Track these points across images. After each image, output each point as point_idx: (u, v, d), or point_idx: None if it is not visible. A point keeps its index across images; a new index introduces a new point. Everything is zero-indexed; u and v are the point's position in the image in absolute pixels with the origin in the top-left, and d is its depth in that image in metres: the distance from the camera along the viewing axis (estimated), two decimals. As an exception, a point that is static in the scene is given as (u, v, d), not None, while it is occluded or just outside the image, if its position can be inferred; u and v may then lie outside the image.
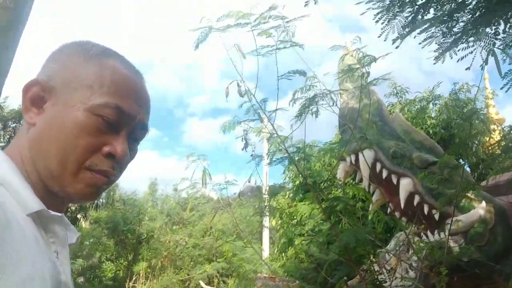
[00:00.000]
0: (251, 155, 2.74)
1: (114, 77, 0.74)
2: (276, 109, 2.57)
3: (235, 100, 2.69)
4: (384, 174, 3.48)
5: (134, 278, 12.80)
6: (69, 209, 8.35)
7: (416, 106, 7.92)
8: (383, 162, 3.44)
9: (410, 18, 2.60)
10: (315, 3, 2.71)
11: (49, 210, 0.69)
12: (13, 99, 9.07)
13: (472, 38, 2.54)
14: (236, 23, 2.30)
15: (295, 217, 7.69)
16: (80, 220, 10.57)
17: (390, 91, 8.41)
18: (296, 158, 2.74)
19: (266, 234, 14.41)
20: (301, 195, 7.45)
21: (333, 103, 2.57)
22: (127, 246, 13.92)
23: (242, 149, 2.70)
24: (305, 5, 3.41)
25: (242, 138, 2.71)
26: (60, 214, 0.72)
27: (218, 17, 2.33)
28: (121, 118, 0.73)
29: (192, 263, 13.39)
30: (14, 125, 8.48)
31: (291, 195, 8.06)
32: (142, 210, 14.24)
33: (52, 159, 0.69)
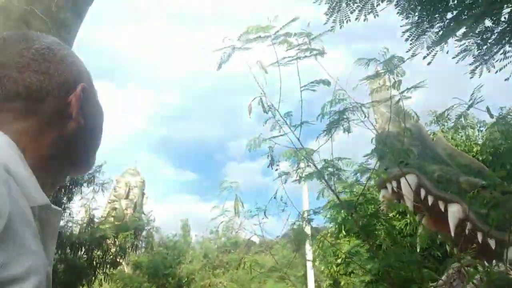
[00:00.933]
0: (277, 171, 2.65)
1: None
2: (302, 122, 2.49)
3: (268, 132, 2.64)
4: (430, 200, 3.26)
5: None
6: (109, 250, 8.47)
7: (460, 134, 7.58)
8: (428, 188, 3.23)
9: (440, 33, 2.51)
10: (340, 27, 2.69)
11: (51, 204, 0.71)
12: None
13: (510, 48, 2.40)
14: (259, 35, 2.31)
15: (339, 256, 7.36)
16: (121, 263, 10.63)
17: (431, 119, 8.13)
18: (326, 174, 2.61)
19: (311, 277, 13.84)
20: (344, 232, 7.14)
21: (364, 116, 2.46)
22: (168, 291, 13.77)
23: (268, 167, 2.62)
24: (331, 30, 3.40)
25: (268, 155, 2.63)
26: (60, 209, 0.75)
27: (238, 35, 2.36)
28: None
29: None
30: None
31: (333, 230, 7.76)
32: (182, 252, 14.18)
33: (91, 147, 0.86)
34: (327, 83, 2.40)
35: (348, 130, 2.53)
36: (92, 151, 0.89)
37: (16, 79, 0.75)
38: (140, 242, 11.63)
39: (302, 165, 2.67)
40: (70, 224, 7.79)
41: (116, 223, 11.40)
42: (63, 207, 7.84)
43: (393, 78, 2.35)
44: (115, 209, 16.85)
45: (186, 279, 13.44)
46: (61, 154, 0.79)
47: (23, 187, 0.66)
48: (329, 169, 2.54)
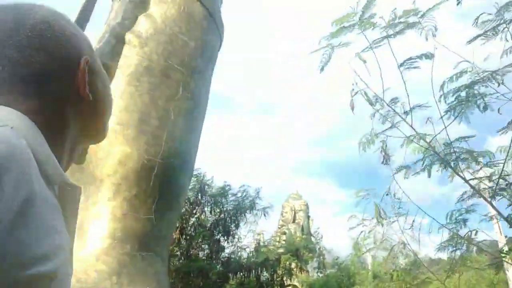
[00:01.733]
0: (396, 168, 2.31)
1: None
2: (413, 107, 2.13)
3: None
4: None
5: None
6: (275, 272, 8.77)
7: None
8: None
9: None
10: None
11: (70, 181, 0.71)
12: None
13: None
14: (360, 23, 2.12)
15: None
16: (289, 285, 10.85)
17: None
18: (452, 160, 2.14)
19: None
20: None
21: (498, 84, 1.98)
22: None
23: (382, 163, 2.32)
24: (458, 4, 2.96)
25: (381, 150, 2.34)
26: (79, 186, 0.73)
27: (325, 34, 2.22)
28: None
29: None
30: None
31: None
32: (354, 272, 13.68)
33: (104, 119, 0.84)
34: (429, 56, 2.04)
35: (484, 107, 2.08)
36: (104, 121, 0.87)
37: (18, 59, 0.73)
38: (310, 263, 11.70)
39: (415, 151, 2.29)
40: (238, 249, 8.43)
41: (285, 245, 11.81)
42: (231, 233, 8.57)
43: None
44: (284, 233, 17.56)
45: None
46: (74, 131, 0.78)
47: (43, 165, 0.65)
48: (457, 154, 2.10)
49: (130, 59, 3.70)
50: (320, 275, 13.32)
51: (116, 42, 3.78)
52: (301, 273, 11.24)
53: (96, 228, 3.10)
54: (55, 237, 0.61)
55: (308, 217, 20.08)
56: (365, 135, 2.36)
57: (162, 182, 3.48)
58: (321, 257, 12.84)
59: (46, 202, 0.61)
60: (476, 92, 2.04)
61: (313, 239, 15.91)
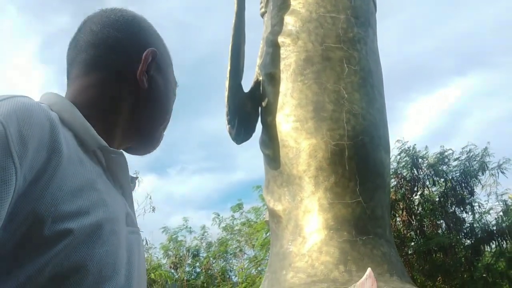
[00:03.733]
0: None
1: (171, 56, 0.93)
2: None
3: None
4: None
5: None
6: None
7: None
8: None
9: None
10: None
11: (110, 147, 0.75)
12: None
13: None
14: None
15: None
16: None
17: None
18: None
19: None
20: None
21: None
22: None
23: None
24: None
25: None
26: (120, 151, 0.77)
27: None
28: None
29: None
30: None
31: None
32: None
33: (158, 117, 0.87)
34: None
35: None
36: (154, 123, 0.86)
37: (97, 32, 0.82)
38: None
39: None
40: (481, 216, 7.29)
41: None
42: (467, 201, 7.52)
43: None
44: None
45: None
46: (121, 113, 0.81)
47: (78, 133, 0.70)
48: None
49: (288, 59, 3.78)
50: None
51: (272, 50, 3.94)
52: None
53: (309, 223, 3.18)
54: (90, 194, 0.63)
55: None
56: None
57: (358, 163, 3.34)
58: None
59: (77, 162, 0.65)
60: None
61: None
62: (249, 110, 3.88)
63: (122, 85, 0.81)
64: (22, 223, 0.55)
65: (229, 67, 3.66)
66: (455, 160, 7.73)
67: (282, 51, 3.84)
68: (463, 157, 7.73)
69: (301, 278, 2.97)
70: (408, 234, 6.92)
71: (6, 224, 0.53)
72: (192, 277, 9.18)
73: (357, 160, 3.34)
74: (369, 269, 2.11)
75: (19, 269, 0.54)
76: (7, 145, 0.52)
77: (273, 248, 3.45)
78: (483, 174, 8.37)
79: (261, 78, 3.95)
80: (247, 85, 4.00)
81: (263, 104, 3.82)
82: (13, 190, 0.52)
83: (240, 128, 3.77)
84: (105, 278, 0.61)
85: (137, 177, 0.91)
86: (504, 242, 6.59)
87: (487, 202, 8.23)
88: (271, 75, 3.81)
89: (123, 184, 0.77)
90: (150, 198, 8.15)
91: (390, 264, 3.16)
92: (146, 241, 9.13)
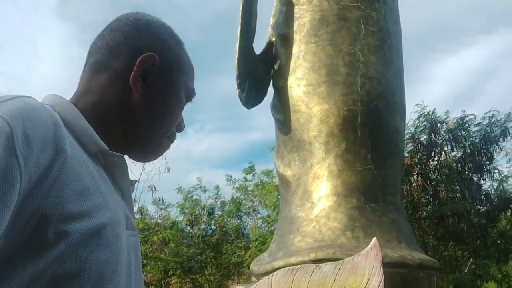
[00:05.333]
0: None
1: (191, 64, 0.91)
2: None
3: None
4: None
5: None
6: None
7: None
8: None
9: None
10: None
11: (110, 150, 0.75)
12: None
13: None
14: None
15: None
16: None
17: None
18: None
19: None
20: None
21: None
22: None
23: None
24: None
25: None
26: (120, 154, 0.77)
27: None
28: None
29: None
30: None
31: None
32: None
33: (154, 124, 0.83)
34: None
35: None
36: (149, 131, 0.84)
37: (106, 36, 0.84)
38: None
39: None
40: (499, 183, 7.14)
41: None
42: (485, 168, 7.36)
43: None
44: None
45: None
46: (119, 117, 0.80)
47: (81, 135, 0.70)
48: None
49: (302, 18, 3.62)
50: None
51: (286, 9, 3.77)
52: None
53: (318, 189, 3.16)
54: (93, 196, 0.63)
55: None
56: None
57: (371, 129, 3.26)
58: None
59: (80, 164, 0.64)
60: None
61: None
62: (261, 73, 3.77)
63: (120, 90, 0.81)
64: (28, 223, 0.55)
65: (239, 28, 3.51)
66: (476, 125, 7.50)
67: (296, 10, 3.66)
68: (484, 123, 7.49)
69: (308, 242, 2.99)
70: (423, 198, 6.87)
71: (12, 224, 0.54)
72: (208, 233, 9.46)
73: (370, 126, 3.24)
74: (374, 239, 2.08)
75: (23, 269, 0.55)
76: (12, 146, 0.52)
77: (281, 213, 3.47)
78: (504, 140, 8.12)
79: (273, 39, 3.81)
80: (259, 47, 3.87)
81: (275, 67, 3.70)
82: (19, 191, 0.53)
83: (251, 92, 3.68)
84: (106, 280, 0.62)
85: (136, 181, 0.92)
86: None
87: (508, 169, 8.02)
88: (284, 36, 3.66)
89: (123, 187, 0.79)
90: (165, 158, 8.24)
91: (399, 231, 3.14)
92: (162, 199, 9.39)
